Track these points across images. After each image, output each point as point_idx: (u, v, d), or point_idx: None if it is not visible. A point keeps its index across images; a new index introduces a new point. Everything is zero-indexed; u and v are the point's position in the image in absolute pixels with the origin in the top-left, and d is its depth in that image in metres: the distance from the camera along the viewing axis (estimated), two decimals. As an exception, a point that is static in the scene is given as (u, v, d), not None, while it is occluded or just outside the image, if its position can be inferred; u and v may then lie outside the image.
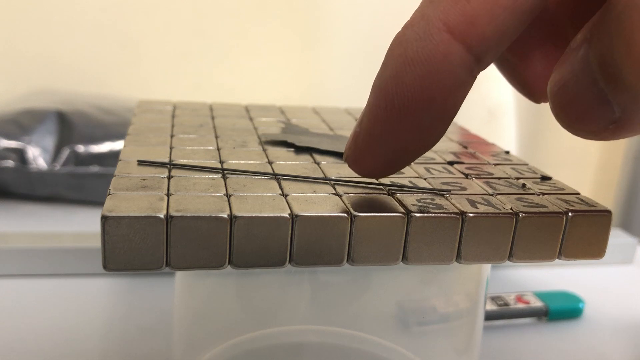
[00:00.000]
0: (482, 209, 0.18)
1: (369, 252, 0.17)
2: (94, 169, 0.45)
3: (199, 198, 0.17)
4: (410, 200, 0.19)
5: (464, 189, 0.20)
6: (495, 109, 0.61)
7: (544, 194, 0.20)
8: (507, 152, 0.26)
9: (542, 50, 0.18)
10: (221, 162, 0.21)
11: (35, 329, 0.30)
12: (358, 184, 0.20)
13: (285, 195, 0.18)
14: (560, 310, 0.34)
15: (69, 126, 0.46)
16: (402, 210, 0.18)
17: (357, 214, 0.17)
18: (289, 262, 0.17)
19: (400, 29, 0.16)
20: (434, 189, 0.20)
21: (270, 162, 0.22)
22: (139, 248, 0.16)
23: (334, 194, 0.19)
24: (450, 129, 0.28)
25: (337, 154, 0.23)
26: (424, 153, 0.17)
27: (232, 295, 0.26)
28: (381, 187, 0.20)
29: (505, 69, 0.18)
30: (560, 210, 0.19)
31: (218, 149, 0.23)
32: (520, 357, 0.31)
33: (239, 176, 0.20)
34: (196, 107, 0.29)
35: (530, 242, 0.19)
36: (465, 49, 0.15)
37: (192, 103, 0.30)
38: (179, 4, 0.59)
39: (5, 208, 0.44)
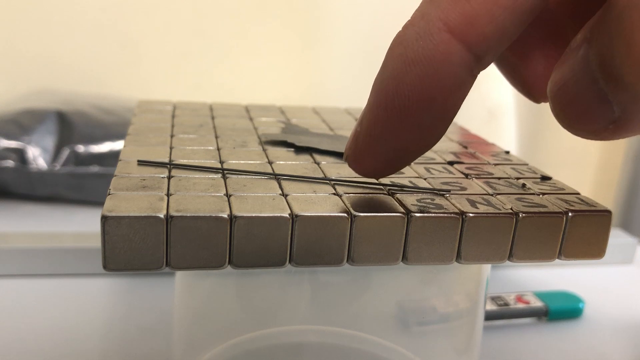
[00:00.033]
0: (482, 209, 0.18)
1: (369, 252, 0.17)
2: (94, 169, 0.45)
3: (199, 198, 0.17)
4: (410, 200, 0.19)
5: (464, 189, 0.20)
6: (495, 109, 0.61)
7: (544, 194, 0.20)
8: (507, 152, 0.26)
9: (542, 50, 0.18)
10: (221, 162, 0.21)
11: (35, 329, 0.30)
12: (358, 184, 0.20)
13: (285, 195, 0.18)
14: (560, 310, 0.34)
15: (69, 126, 0.46)
16: (402, 210, 0.18)
17: (357, 214, 0.17)
18: (289, 262, 0.17)
19: (400, 29, 0.16)
20: (434, 189, 0.20)
21: (270, 162, 0.22)
22: (139, 248, 0.16)
23: (334, 194, 0.19)
24: (450, 129, 0.28)
25: (337, 154, 0.23)
26: (425, 152, 0.17)
27: (232, 295, 0.26)
28: (381, 187, 0.20)
29: (505, 68, 0.18)
30: (560, 210, 0.19)
31: (218, 149, 0.23)
32: (520, 357, 0.31)
33: (239, 176, 0.20)
34: (196, 107, 0.29)
35: (530, 242, 0.19)
36: (465, 48, 0.15)
37: (192, 103, 0.30)
38: (179, 4, 0.59)
39: (5, 208, 0.44)
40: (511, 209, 0.19)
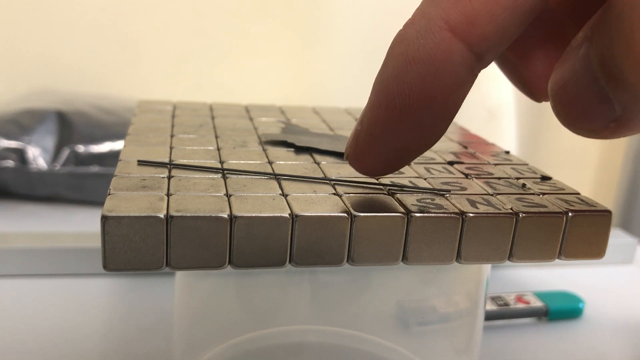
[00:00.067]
0: (482, 209, 0.18)
1: (369, 252, 0.17)
2: (94, 169, 0.45)
3: (199, 198, 0.17)
4: (410, 200, 0.19)
5: (464, 189, 0.20)
6: (495, 109, 0.61)
7: (544, 194, 0.20)
8: (507, 152, 0.26)
9: (543, 50, 0.18)
10: (221, 162, 0.21)
11: (35, 329, 0.30)
12: (358, 184, 0.20)
13: (285, 195, 0.18)
14: (560, 310, 0.34)
15: (69, 126, 0.46)
16: (402, 210, 0.18)
17: (357, 214, 0.17)
18: (289, 262, 0.17)
19: (400, 28, 0.16)
20: (434, 189, 0.20)
21: (270, 162, 0.22)
22: (139, 248, 0.16)
23: (334, 194, 0.19)
24: (450, 128, 0.28)
25: (337, 154, 0.23)
26: (425, 151, 0.17)
27: (232, 295, 0.26)
28: (381, 187, 0.20)
29: (506, 68, 0.18)
30: (560, 210, 0.19)
31: (218, 149, 0.23)
32: (520, 357, 0.31)
33: (239, 176, 0.20)
34: (196, 107, 0.29)
35: (530, 242, 0.19)
36: (466, 47, 0.15)
37: (192, 103, 0.30)
38: (179, 4, 0.59)
39: (5, 208, 0.44)
40: (511, 209, 0.19)
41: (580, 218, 0.19)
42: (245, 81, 0.61)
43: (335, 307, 0.27)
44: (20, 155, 0.44)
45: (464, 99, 0.16)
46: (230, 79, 0.61)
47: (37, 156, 0.44)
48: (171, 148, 0.22)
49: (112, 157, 0.45)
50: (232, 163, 0.21)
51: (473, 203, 0.19)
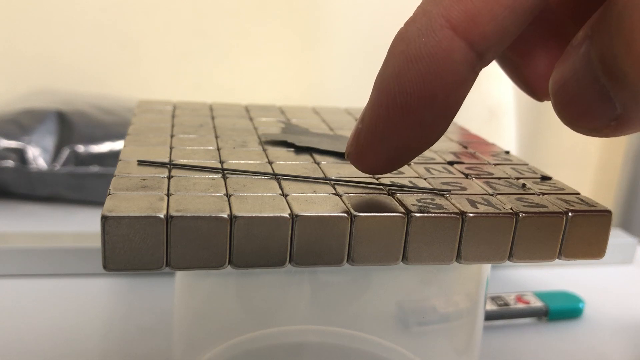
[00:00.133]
0: (482, 209, 0.18)
1: (369, 252, 0.17)
2: (94, 169, 0.45)
3: (199, 198, 0.17)
4: (410, 200, 0.19)
5: (464, 189, 0.20)
6: (495, 108, 0.61)
7: (544, 194, 0.20)
8: (507, 152, 0.26)
9: (544, 49, 0.18)
10: (221, 162, 0.21)
11: (35, 329, 0.30)
12: (358, 184, 0.20)
13: (285, 195, 0.18)
14: (560, 310, 0.34)
15: (69, 126, 0.46)
16: (402, 210, 0.18)
17: (357, 214, 0.17)
18: (289, 262, 0.17)
19: (402, 26, 0.16)
20: (434, 189, 0.20)
21: (270, 162, 0.22)
22: (139, 248, 0.16)
23: (334, 194, 0.19)
24: (450, 128, 0.28)
25: (337, 154, 0.23)
26: (426, 150, 0.17)
27: (232, 295, 0.26)
28: (381, 187, 0.20)
29: (507, 67, 0.18)
30: (560, 210, 0.19)
31: (218, 149, 0.23)
32: (520, 357, 0.31)
33: (239, 176, 0.20)
34: (196, 107, 0.29)
35: (530, 242, 0.19)
36: (467, 45, 0.15)
37: (192, 103, 0.30)
38: (179, 4, 0.59)
39: (5, 208, 0.44)
40: (511, 209, 0.18)
41: (580, 218, 0.19)
42: (245, 81, 0.61)
43: (335, 307, 0.27)
44: (20, 155, 0.44)
45: (465, 97, 0.16)
46: (230, 79, 0.61)
47: (37, 156, 0.44)
48: (171, 148, 0.22)
49: (112, 157, 0.45)
50: (232, 163, 0.21)
51: (473, 203, 0.19)
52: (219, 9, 0.60)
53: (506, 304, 0.33)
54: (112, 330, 0.30)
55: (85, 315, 0.31)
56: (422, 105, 0.15)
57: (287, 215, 0.17)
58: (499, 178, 0.22)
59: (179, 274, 0.25)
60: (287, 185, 0.19)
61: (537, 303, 0.34)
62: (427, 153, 0.24)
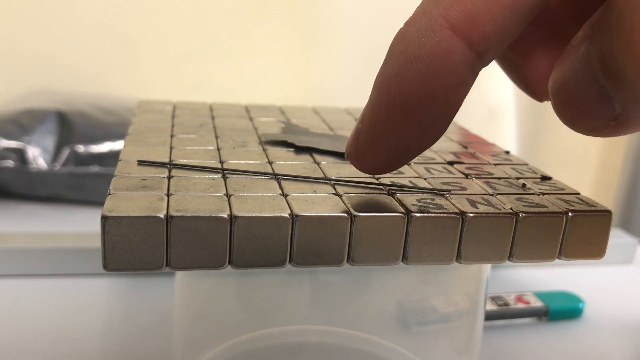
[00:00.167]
0: (482, 209, 0.18)
1: (369, 252, 0.17)
2: (94, 169, 0.45)
3: (199, 198, 0.17)
4: (410, 200, 0.19)
5: (464, 189, 0.20)
6: (495, 109, 0.61)
7: (544, 194, 0.20)
8: (507, 152, 0.26)
9: (544, 49, 0.18)
10: (221, 162, 0.21)
11: (35, 329, 0.30)
12: (358, 184, 0.20)
13: (285, 195, 0.18)
14: (560, 310, 0.34)
15: (69, 126, 0.46)
16: (402, 210, 0.18)
17: (357, 214, 0.17)
18: (289, 262, 0.17)
19: (401, 26, 0.16)
20: (434, 189, 0.20)
21: (270, 162, 0.22)
22: (139, 248, 0.16)
23: (334, 194, 0.19)
24: (450, 128, 0.28)
25: (337, 154, 0.23)
26: (426, 150, 0.17)
27: (232, 295, 0.26)
28: (381, 187, 0.20)
29: (508, 68, 0.18)
30: (560, 210, 0.19)
31: (218, 149, 0.23)
32: (520, 357, 0.31)
33: (239, 176, 0.20)
34: (196, 107, 0.29)
35: (530, 242, 0.19)
36: (467, 45, 0.15)
37: (192, 103, 0.30)
38: (179, 4, 0.59)
39: (5, 208, 0.44)
40: (511, 209, 0.18)
41: (580, 218, 0.19)
42: (245, 81, 0.61)
43: (335, 307, 0.27)
44: (20, 155, 0.44)
45: (464, 97, 0.16)
46: (230, 79, 0.61)
47: (37, 156, 0.44)
48: (171, 148, 0.22)
49: (112, 157, 0.45)
50: (232, 163, 0.21)
51: (473, 203, 0.19)
52: (219, 9, 0.60)
53: (506, 304, 0.33)
54: (112, 330, 0.30)
55: (85, 315, 0.31)
56: (422, 105, 0.15)
57: (287, 215, 0.17)
58: (499, 178, 0.22)
59: (179, 274, 0.25)
60: (287, 185, 0.19)
61: (537, 303, 0.34)
62: (427, 153, 0.24)
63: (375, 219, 0.17)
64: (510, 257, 0.19)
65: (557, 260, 0.19)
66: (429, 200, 0.19)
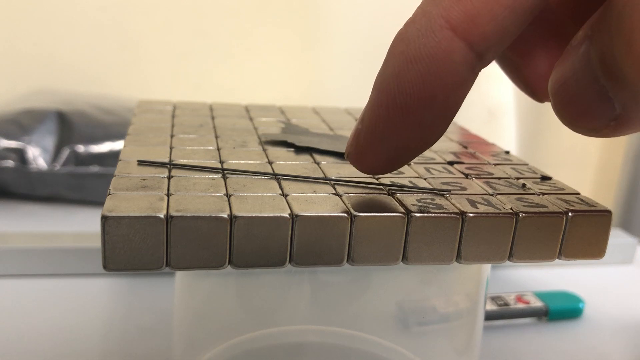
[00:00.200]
0: (482, 209, 0.18)
1: (369, 252, 0.17)
2: (94, 169, 0.45)
3: (199, 198, 0.17)
4: (410, 200, 0.19)
5: (464, 189, 0.20)
6: (495, 109, 0.61)
7: (544, 194, 0.20)
8: (507, 152, 0.26)
9: (544, 49, 0.18)
10: (221, 162, 0.21)
11: (35, 329, 0.30)
12: (358, 184, 0.20)
13: (285, 195, 0.18)
14: (560, 310, 0.34)
15: (69, 126, 0.46)
16: (402, 210, 0.18)
17: (357, 214, 0.17)
18: (289, 262, 0.17)
19: (401, 27, 0.16)
20: (434, 189, 0.20)
21: (270, 162, 0.22)
22: (139, 248, 0.16)
23: (334, 194, 0.19)
24: (450, 128, 0.28)
25: (337, 154, 0.23)
26: (426, 150, 0.17)
27: (232, 295, 0.26)
28: (381, 187, 0.20)
29: (508, 68, 0.18)
30: (560, 210, 0.19)
31: (218, 149, 0.23)
32: (520, 357, 0.31)
33: (239, 176, 0.20)
34: (196, 107, 0.29)
35: (530, 242, 0.19)
36: (467, 46, 0.15)
37: (192, 103, 0.30)
38: (179, 4, 0.59)
39: (5, 208, 0.44)
40: (511, 209, 0.19)
41: (580, 218, 0.19)
42: (245, 81, 0.61)
43: (335, 307, 0.27)
44: (20, 155, 0.44)
45: (464, 97, 0.16)
46: (230, 79, 0.61)
47: (37, 156, 0.44)
48: (171, 148, 0.22)
49: (112, 157, 0.45)
50: (232, 163, 0.21)
51: (473, 203, 0.19)
52: (219, 9, 0.60)
53: (506, 304, 0.33)
54: (112, 330, 0.30)
55: (85, 315, 0.31)
56: (422, 105, 0.15)
57: (287, 215, 0.17)
58: (499, 178, 0.22)
59: (179, 274, 0.25)
60: (287, 185, 0.19)
61: (537, 303, 0.34)
62: (427, 153, 0.24)
63: (375, 219, 0.17)
64: (510, 257, 0.19)
65: (557, 260, 0.19)
66: (429, 200, 0.19)
